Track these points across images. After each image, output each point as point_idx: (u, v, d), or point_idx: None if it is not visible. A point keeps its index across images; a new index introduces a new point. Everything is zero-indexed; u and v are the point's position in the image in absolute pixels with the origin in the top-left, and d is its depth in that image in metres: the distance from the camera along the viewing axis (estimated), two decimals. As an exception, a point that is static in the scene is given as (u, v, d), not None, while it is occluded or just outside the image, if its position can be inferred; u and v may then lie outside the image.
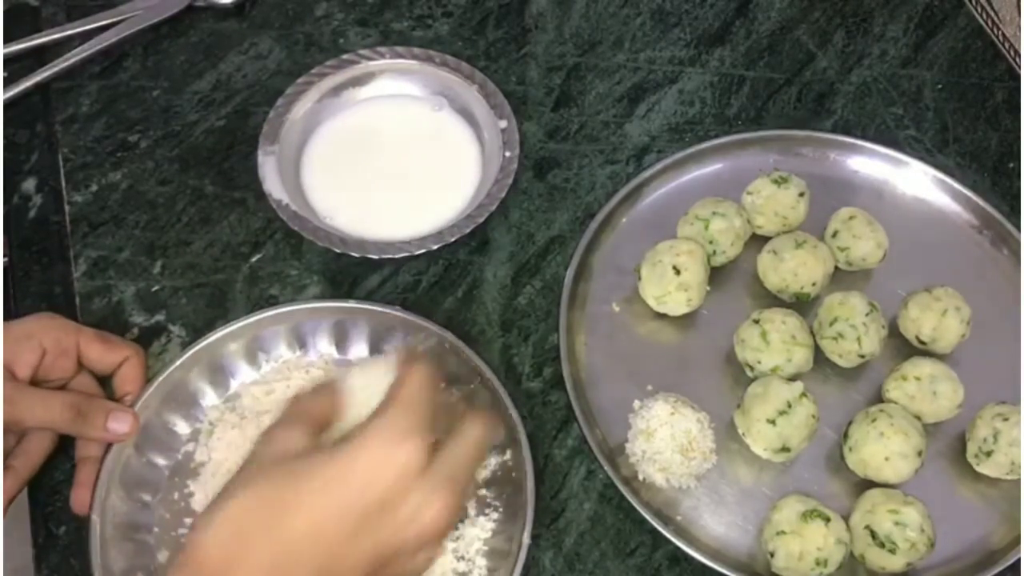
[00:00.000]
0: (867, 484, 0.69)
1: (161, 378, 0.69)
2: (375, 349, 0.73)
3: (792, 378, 0.70)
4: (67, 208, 0.80)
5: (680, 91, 0.88)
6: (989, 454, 0.68)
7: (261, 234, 0.79)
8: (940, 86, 0.90)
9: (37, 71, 0.85)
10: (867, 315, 0.71)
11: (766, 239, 0.77)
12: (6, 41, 0.86)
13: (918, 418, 0.69)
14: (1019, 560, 0.67)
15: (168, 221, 0.80)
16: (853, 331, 0.71)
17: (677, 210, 0.78)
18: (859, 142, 0.84)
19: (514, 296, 0.77)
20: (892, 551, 0.64)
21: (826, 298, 0.73)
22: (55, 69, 0.85)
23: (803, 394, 0.68)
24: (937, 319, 0.72)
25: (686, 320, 0.75)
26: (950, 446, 0.72)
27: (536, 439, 0.70)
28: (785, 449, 0.68)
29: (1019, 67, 0.90)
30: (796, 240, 0.75)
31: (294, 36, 0.90)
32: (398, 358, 0.56)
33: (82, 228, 0.79)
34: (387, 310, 0.72)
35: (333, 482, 0.50)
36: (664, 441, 0.68)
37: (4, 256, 0.78)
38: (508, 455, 0.68)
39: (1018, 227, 0.80)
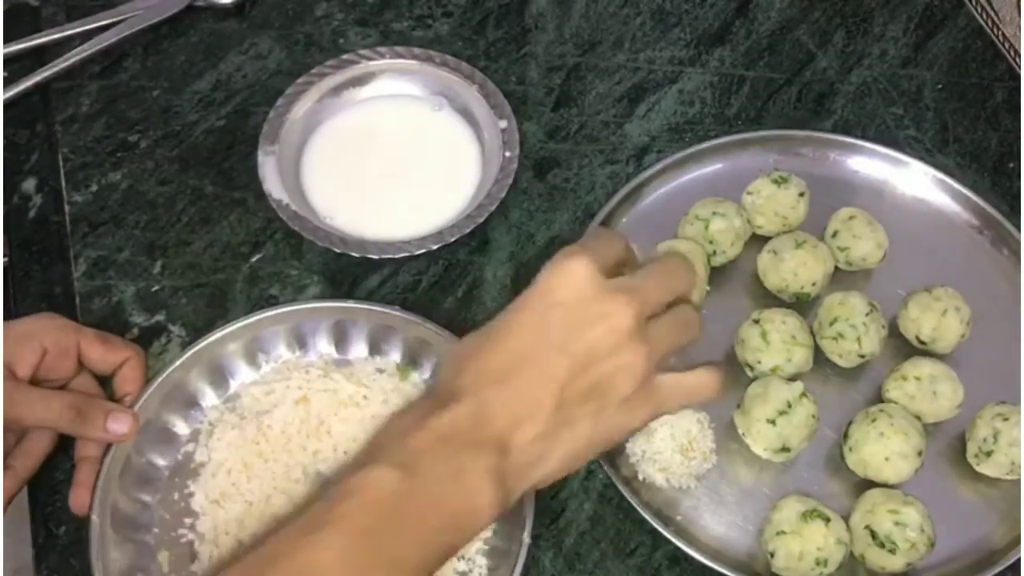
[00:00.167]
0: (867, 484, 0.69)
1: (161, 379, 0.69)
2: (375, 349, 0.73)
3: (792, 378, 0.70)
4: (67, 208, 0.80)
5: (680, 91, 0.88)
6: (989, 454, 0.68)
7: (261, 234, 0.79)
8: (940, 86, 0.90)
9: (37, 71, 0.85)
10: (867, 315, 0.71)
11: (766, 239, 0.77)
12: (6, 41, 0.86)
13: (918, 418, 0.69)
14: (1019, 560, 0.67)
15: (168, 221, 0.80)
16: (853, 331, 0.71)
17: (677, 210, 0.78)
18: (859, 142, 0.84)
19: (514, 296, 0.77)
20: (892, 551, 0.64)
21: (826, 298, 0.73)
22: (55, 69, 0.85)
23: (803, 394, 0.68)
24: (937, 319, 0.72)
25: (686, 320, 0.75)
26: (950, 446, 0.72)
27: (536, 439, 0.70)
28: (785, 449, 0.68)
29: (1019, 67, 0.90)
30: (796, 240, 0.75)
31: (294, 36, 0.90)
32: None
33: (82, 228, 0.79)
34: (387, 310, 0.72)
35: (523, 304, 0.59)
36: (664, 441, 0.68)
37: (4, 256, 0.78)
38: (508, 455, 0.68)
39: (1018, 227, 0.80)
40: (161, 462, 0.68)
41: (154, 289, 0.77)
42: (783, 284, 0.75)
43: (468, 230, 0.77)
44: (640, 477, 0.69)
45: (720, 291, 0.77)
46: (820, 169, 0.83)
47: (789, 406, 0.68)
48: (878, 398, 0.72)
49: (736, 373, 0.73)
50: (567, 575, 0.67)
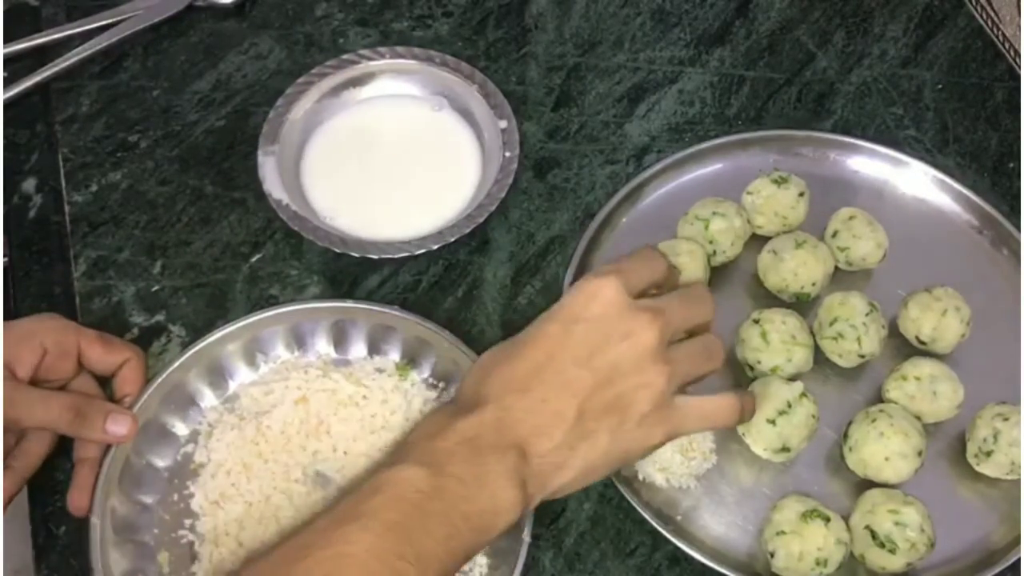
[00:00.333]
0: (867, 484, 0.69)
1: (160, 379, 0.69)
2: (374, 349, 0.73)
3: (792, 378, 0.70)
4: (67, 208, 0.80)
5: (680, 91, 0.88)
6: (989, 454, 0.68)
7: (261, 234, 0.79)
8: (940, 86, 0.90)
9: (37, 71, 0.85)
10: (867, 315, 0.71)
11: (766, 239, 0.77)
12: (6, 41, 0.86)
13: (918, 418, 0.69)
14: (1019, 560, 0.67)
15: (168, 221, 0.80)
16: (853, 331, 0.71)
17: (677, 210, 0.78)
18: (859, 142, 0.84)
19: (514, 296, 0.77)
20: (892, 551, 0.64)
21: (826, 298, 0.73)
22: (55, 69, 0.85)
23: (803, 394, 0.68)
24: (937, 319, 0.72)
25: (686, 320, 0.75)
26: (950, 446, 0.72)
27: (536, 439, 0.70)
28: (785, 449, 0.68)
29: (1019, 67, 0.90)
30: (796, 240, 0.75)
31: (294, 36, 0.90)
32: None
33: (82, 228, 0.79)
34: (386, 310, 0.72)
35: (551, 316, 0.61)
36: (664, 441, 0.68)
37: (4, 256, 0.78)
38: (508, 455, 0.68)
39: (1018, 227, 0.80)
40: (160, 463, 0.68)
41: (154, 289, 0.77)
42: (783, 284, 0.75)
43: (468, 230, 0.77)
44: (640, 477, 0.69)
45: (720, 291, 0.77)
46: (820, 169, 0.83)
47: (789, 406, 0.68)
48: (878, 398, 0.72)
49: (736, 373, 0.73)
50: (567, 575, 0.67)
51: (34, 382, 0.66)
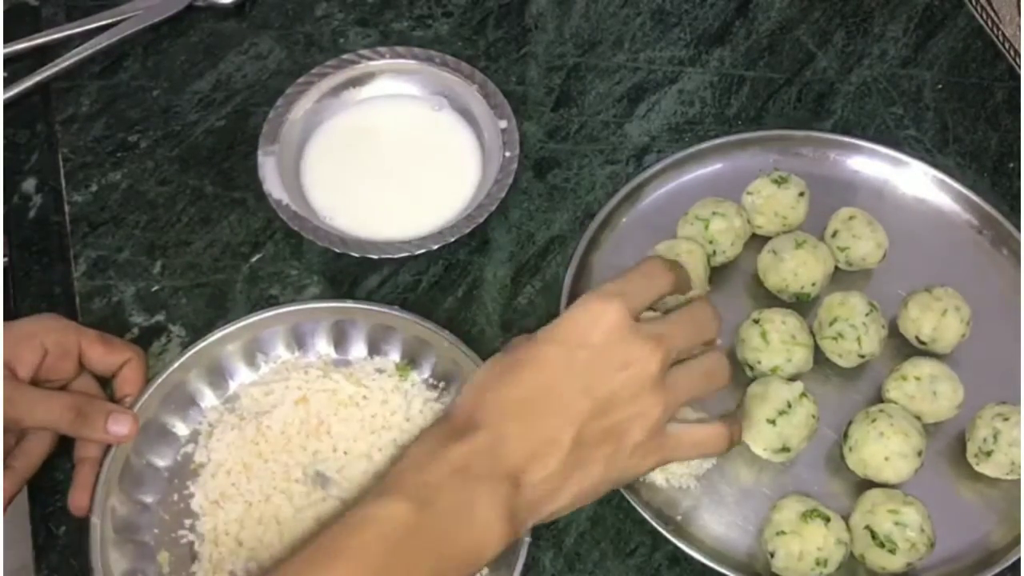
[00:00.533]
0: (867, 484, 0.69)
1: (160, 379, 0.69)
2: (374, 349, 0.73)
3: (792, 378, 0.70)
4: (67, 208, 0.80)
5: (680, 91, 0.88)
6: (989, 454, 0.68)
7: (261, 234, 0.79)
8: (940, 86, 0.90)
9: (37, 71, 0.85)
10: (867, 315, 0.71)
11: (766, 239, 0.77)
12: (6, 41, 0.86)
13: (918, 418, 0.69)
14: (1019, 560, 0.67)
15: (168, 221, 0.80)
16: (853, 331, 0.71)
17: (677, 210, 0.78)
18: (859, 142, 0.84)
19: (514, 296, 0.77)
20: (892, 551, 0.64)
21: (826, 298, 0.73)
22: (55, 69, 0.85)
23: (803, 394, 0.68)
24: (937, 319, 0.72)
25: (686, 320, 0.75)
26: (950, 446, 0.71)
27: (536, 439, 0.70)
28: (785, 449, 0.68)
29: (1019, 67, 0.90)
30: (796, 240, 0.75)
31: (294, 36, 0.90)
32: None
33: (82, 228, 0.79)
34: (386, 310, 0.72)
35: (552, 338, 0.60)
36: (664, 441, 0.68)
37: (4, 256, 0.78)
38: (508, 455, 0.68)
39: (1018, 227, 0.80)
40: (161, 463, 0.68)
41: (154, 289, 0.77)
42: (783, 284, 0.75)
43: (468, 230, 0.77)
44: (640, 477, 0.69)
45: (720, 291, 0.77)
46: (820, 169, 0.83)
47: (789, 406, 0.68)
48: (878, 398, 0.72)
49: (736, 373, 0.73)
50: (567, 575, 0.67)
51: (35, 382, 0.66)
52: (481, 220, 0.78)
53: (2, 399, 0.62)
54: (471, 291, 0.78)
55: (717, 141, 0.84)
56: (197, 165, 0.82)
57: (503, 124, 0.82)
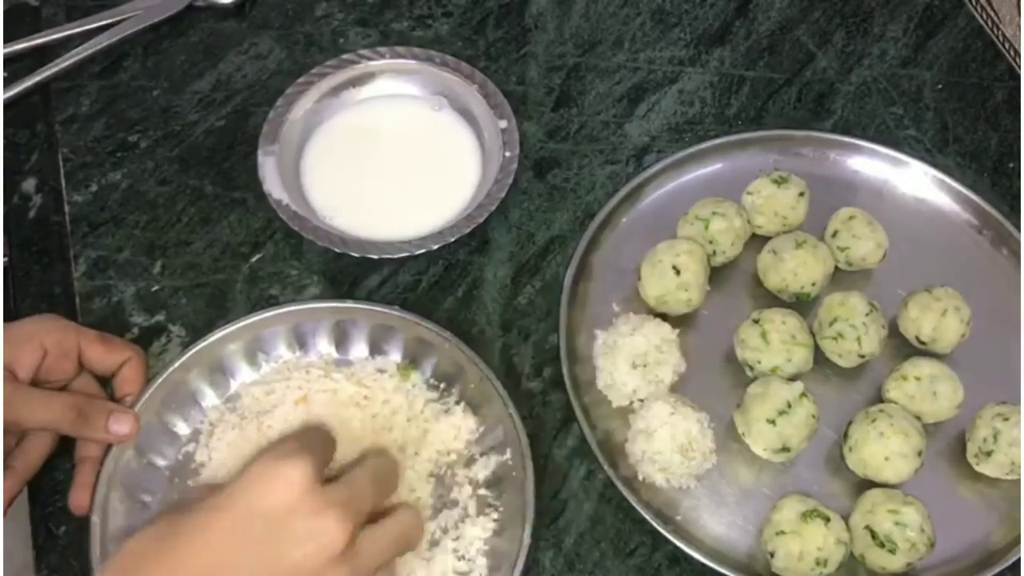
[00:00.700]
0: (867, 484, 0.69)
1: (161, 379, 0.69)
2: (375, 349, 0.73)
3: (792, 378, 0.70)
4: (67, 208, 0.80)
5: (680, 91, 0.88)
6: (989, 454, 0.68)
7: (261, 234, 0.79)
8: (940, 86, 0.90)
9: (37, 71, 0.85)
10: (867, 315, 0.71)
11: (766, 239, 0.77)
12: (6, 41, 0.86)
13: (918, 418, 0.69)
14: (1019, 560, 0.67)
15: (168, 221, 0.80)
16: (853, 331, 0.71)
17: (677, 210, 0.78)
18: (859, 142, 0.84)
19: (514, 296, 0.77)
20: (892, 551, 0.64)
21: (826, 298, 0.73)
22: (55, 69, 0.85)
23: (803, 394, 0.68)
24: (937, 319, 0.72)
25: (686, 320, 0.75)
26: (950, 446, 0.72)
27: (536, 439, 0.70)
28: (785, 449, 0.68)
29: (1019, 67, 0.90)
30: (796, 240, 0.75)
31: (294, 36, 0.90)
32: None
33: (82, 228, 0.79)
34: (387, 310, 0.72)
35: (223, 505, 0.52)
36: (664, 441, 0.68)
37: (4, 256, 0.78)
38: (508, 455, 0.68)
39: (1018, 227, 0.80)
40: (162, 462, 0.68)
41: (154, 289, 0.77)
42: (783, 284, 0.75)
43: (468, 230, 0.77)
44: (640, 477, 0.69)
45: (720, 291, 0.77)
46: (820, 169, 0.83)
47: (789, 406, 0.68)
48: (878, 398, 0.72)
49: (736, 373, 0.73)
50: (567, 575, 0.67)
51: (35, 383, 0.66)
52: (481, 220, 0.78)
53: (2, 400, 0.62)
54: (471, 291, 0.78)
55: (717, 141, 0.84)
56: (197, 165, 0.82)
57: (503, 124, 0.82)
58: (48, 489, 0.68)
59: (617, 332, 0.72)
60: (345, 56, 0.86)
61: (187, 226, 0.80)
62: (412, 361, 0.72)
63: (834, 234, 0.77)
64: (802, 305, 0.75)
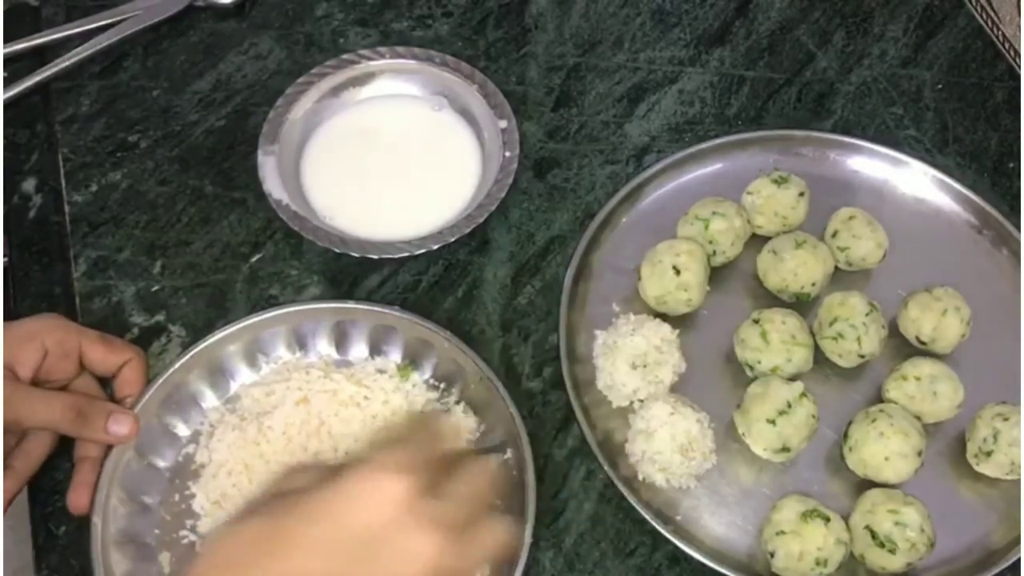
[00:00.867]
0: (867, 484, 0.69)
1: (161, 380, 0.69)
2: (375, 350, 0.73)
3: (792, 378, 0.70)
4: (67, 208, 0.80)
5: (680, 91, 0.88)
6: (989, 454, 0.68)
7: (261, 234, 0.79)
8: (940, 86, 0.90)
9: (37, 71, 0.85)
10: (867, 315, 0.71)
11: (766, 239, 0.77)
12: (6, 41, 0.86)
13: (918, 418, 0.69)
14: (1019, 560, 0.67)
15: (168, 221, 0.80)
16: (853, 331, 0.71)
17: (677, 210, 0.78)
18: (859, 142, 0.84)
19: (514, 296, 0.77)
20: (892, 551, 0.64)
21: (826, 298, 0.73)
22: (55, 69, 0.85)
23: (803, 394, 0.68)
24: (937, 319, 0.72)
25: (686, 320, 0.75)
26: (950, 446, 0.72)
27: (536, 439, 0.70)
28: (785, 449, 0.68)
29: (1019, 67, 0.90)
30: (796, 240, 0.75)
31: (294, 36, 0.90)
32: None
33: (82, 228, 0.79)
34: (387, 310, 0.72)
35: (325, 513, 0.51)
36: (664, 441, 0.68)
37: (4, 256, 0.78)
38: (508, 455, 0.68)
39: (1018, 227, 0.80)
40: (162, 463, 0.68)
41: (154, 289, 0.77)
42: (783, 284, 0.75)
43: (468, 230, 0.77)
44: (640, 477, 0.69)
45: (720, 291, 0.77)
46: (820, 169, 0.83)
47: (789, 406, 0.68)
48: (878, 398, 0.72)
49: (736, 373, 0.73)
50: (567, 575, 0.67)
51: (35, 382, 0.66)
52: (481, 220, 0.78)
53: (2, 400, 0.62)
54: (471, 291, 0.78)
55: (717, 141, 0.84)
56: (197, 165, 0.82)
57: (503, 124, 0.82)
58: (48, 489, 0.68)
59: (617, 332, 0.72)
60: (345, 56, 0.86)
61: (187, 226, 0.80)
62: (412, 361, 0.72)
63: (834, 234, 0.77)
64: (802, 305, 0.75)
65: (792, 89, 0.89)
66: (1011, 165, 0.85)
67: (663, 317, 0.74)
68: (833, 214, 0.78)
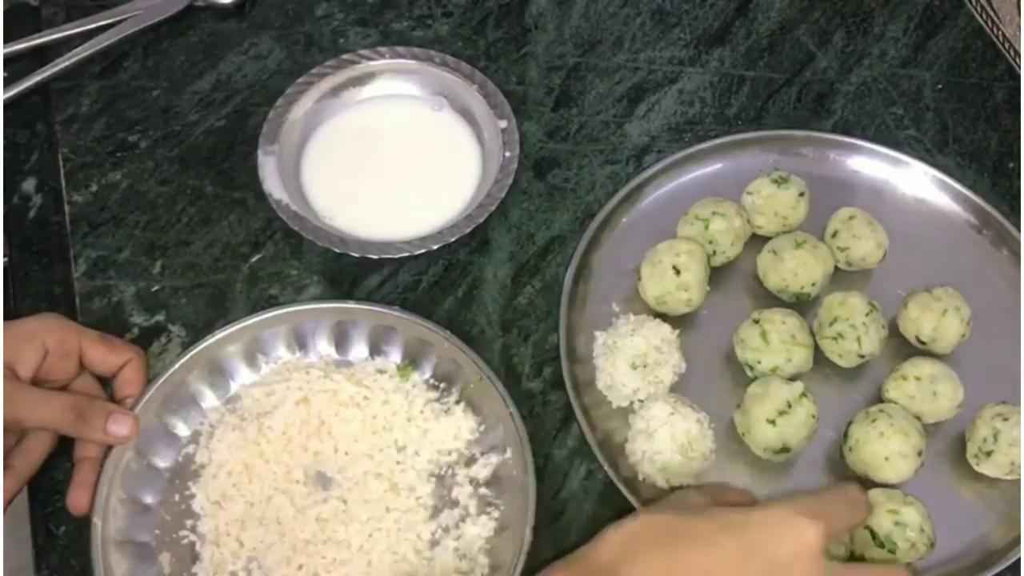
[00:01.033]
0: (867, 484, 0.68)
1: (161, 380, 0.69)
2: (375, 350, 0.73)
3: (792, 378, 0.70)
4: (67, 208, 0.80)
5: (680, 91, 0.88)
6: (989, 454, 0.68)
7: (261, 234, 0.79)
8: (940, 86, 0.90)
9: (37, 71, 0.85)
10: (867, 315, 0.71)
11: (766, 239, 0.77)
12: (6, 41, 0.86)
13: (918, 418, 0.69)
14: (1019, 560, 0.67)
15: (168, 221, 0.80)
16: (853, 331, 0.71)
17: (677, 210, 0.78)
18: (859, 142, 0.84)
19: (514, 296, 0.77)
20: (892, 551, 0.64)
21: (826, 298, 0.73)
22: (55, 69, 0.85)
23: (803, 394, 0.68)
24: (937, 319, 0.72)
25: (686, 320, 0.75)
26: (950, 446, 0.72)
27: (536, 439, 0.70)
28: (785, 449, 0.68)
29: (1019, 67, 0.90)
30: (796, 240, 0.75)
31: (294, 36, 0.90)
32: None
33: (82, 228, 0.79)
34: (387, 310, 0.72)
35: (730, 528, 0.55)
36: (664, 441, 0.68)
37: (4, 256, 0.78)
38: (508, 455, 0.68)
39: (1018, 227, 0.80)
40: (162, 463, 0.68)
41: (154, 289, 0.77)
42: (783, 284, 0.75)
43: (468, 230, 0.77)
44: (640, 477, 0.69)
45: (720, 291, 0.77)
46: (820, 169, 0.83)
47: (789, 406, 0.68)
48: (878, 398, 0.72)
49: (736, 373, 0.73)
50: (567, 575, 0.67)
51: (35, 382, 0.66)
52: (481, 220, 0.78)
53: (2, 399, 0.62)
54: (471, 291, 0.78)
55: (717, 141, 0.84)
56: (197, 165, 0.82)
57: (503, 124, 0.82)
58: (48, 489, 0.68)
59: (617, 332, 0.72)
60: (345, 56, 0.86)
61: (187, 226, 0.80)
62: (412, 361, 0.72)
63: (834, 234, 0.77)
64: (802, 305, 0.75)
65: (792, 89, 0.89)
66: (1011, 165, 0.85)
67: (663, 317, 0.74)
68: (833, 214, 0.78)
